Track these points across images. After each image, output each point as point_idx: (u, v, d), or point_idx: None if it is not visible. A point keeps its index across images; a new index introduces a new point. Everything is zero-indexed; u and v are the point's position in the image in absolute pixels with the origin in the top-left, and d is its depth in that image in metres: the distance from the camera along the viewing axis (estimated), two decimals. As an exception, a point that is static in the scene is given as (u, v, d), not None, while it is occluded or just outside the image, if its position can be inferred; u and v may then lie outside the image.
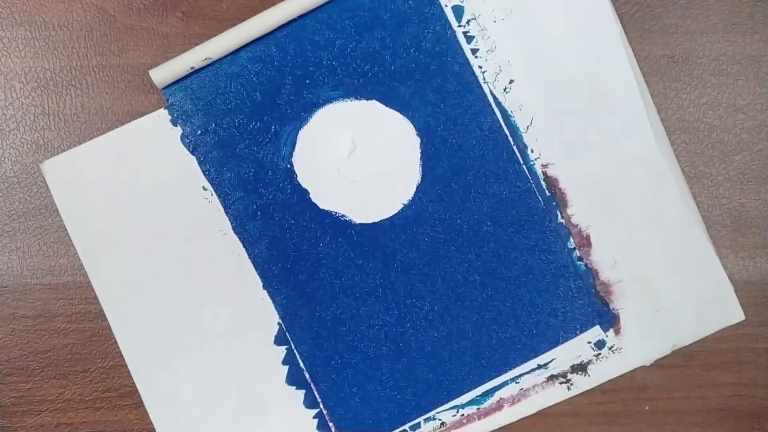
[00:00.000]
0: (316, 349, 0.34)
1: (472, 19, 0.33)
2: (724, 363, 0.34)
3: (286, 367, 0.34)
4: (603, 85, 0.33)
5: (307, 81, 0.33)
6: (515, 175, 0.33)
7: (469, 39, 0.33)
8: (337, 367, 0.34)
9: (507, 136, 0.33)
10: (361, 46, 0.33)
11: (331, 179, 0.33)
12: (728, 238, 0.34)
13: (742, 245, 0.34)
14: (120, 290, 0.33)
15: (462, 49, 0.33)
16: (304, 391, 0.34)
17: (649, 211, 0.34)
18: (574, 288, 0.34)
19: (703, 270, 0.34)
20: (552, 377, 0.34)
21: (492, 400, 0.34)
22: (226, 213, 0.33)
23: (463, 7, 0.33)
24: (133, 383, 0.33)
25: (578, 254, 0.34)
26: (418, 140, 0.33)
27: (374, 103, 0.33)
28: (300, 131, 0.33)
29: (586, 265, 0.34)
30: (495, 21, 0.33)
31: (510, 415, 0.34)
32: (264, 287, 0.33)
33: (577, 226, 0.34)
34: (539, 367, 0.34)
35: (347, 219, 0.34)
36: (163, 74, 0.32)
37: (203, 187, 0.33)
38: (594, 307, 0.34)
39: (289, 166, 0.33)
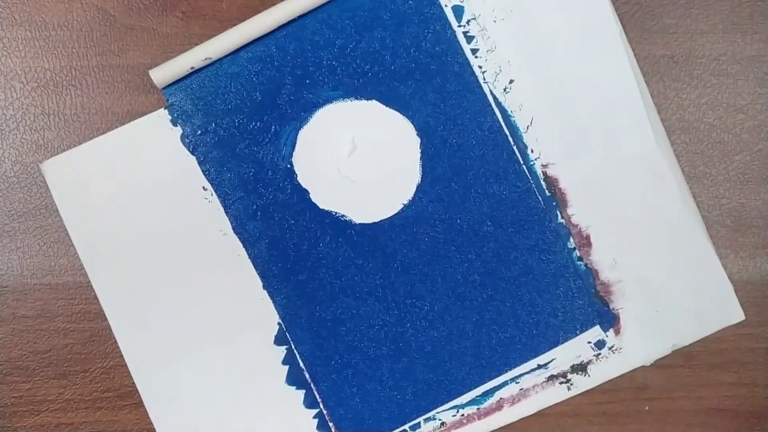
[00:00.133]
0: (316, 349, 0.34)
1: (472, 19, 0.33)
2: (724, 363, 0.34)
3: (286, 367, 0.34)
4: (603, 85, 0.33)
5: (307, 81, 0.33)
6: (515, 175, 0.33)
7: (469, 39, 0.33)
8: (337, 367, 0.34)
9: (507, 136, 0.33)
10: (361, 46, 0.33)
11: (331, 179, 0.33)
12: (728, 238, 0.34)
13: (742, 245, 0.34)
14: (120, 290, 0.33)
15: (462, 49, 0.33)
16: (304, 391, 0.34)
17: (649, 211, 0.34)
18: (574, 288, 0.34)
19: (703, 270, 0.34)
20: (552, 377, 0.34)
21: (492, 400, 0.34)
22: (226, 213, 0.33)
23: (463, 7, 0.33)
24: (133, 383, 0.33)
25: (578, 254, 0.34)
26: (418, 140, 0.33)
27: (374, 103, 0.33)
28: (300, 131, 0.33)
29: (586, 265, 0.34)
30: (495, 21, 0.33)
31: (510, 415, 0.34)
32: (264, 287, 0.33)
33: (577, 226, 0.34)
34: (539, 367, 0.34)
35: (347, 219, 0.34)
36: (163, 74, 0.32)
37: (203, 187, 0.33)
38: (594, 307, 0.34)
39: (289, 166, 0.33)
